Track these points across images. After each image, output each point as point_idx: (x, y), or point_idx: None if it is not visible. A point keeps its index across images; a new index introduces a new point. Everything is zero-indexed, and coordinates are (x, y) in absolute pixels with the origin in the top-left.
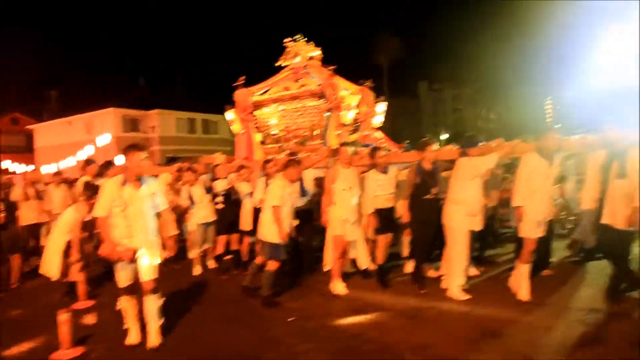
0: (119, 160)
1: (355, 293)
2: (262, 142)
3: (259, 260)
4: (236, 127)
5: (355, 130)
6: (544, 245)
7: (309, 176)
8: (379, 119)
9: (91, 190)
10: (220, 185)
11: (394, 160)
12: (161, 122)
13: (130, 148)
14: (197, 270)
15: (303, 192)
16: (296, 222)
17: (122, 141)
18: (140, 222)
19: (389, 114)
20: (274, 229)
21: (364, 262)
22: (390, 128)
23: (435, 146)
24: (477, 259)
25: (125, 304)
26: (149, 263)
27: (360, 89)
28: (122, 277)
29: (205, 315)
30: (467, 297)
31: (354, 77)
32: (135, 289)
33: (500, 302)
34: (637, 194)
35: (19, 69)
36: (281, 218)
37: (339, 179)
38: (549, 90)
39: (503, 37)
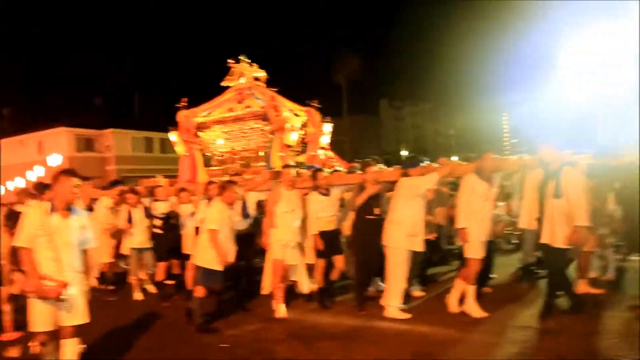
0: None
1: (296, 316)
2: (207, 164)
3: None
4: (180, 149)
5: (302, 151)
6: (484, 263)
7: (252, 198)
8: (325, 139)
9: (13, 219)
10: (160, 208)
11: (336, 182)
12: (117, 142)
13: (61, 173)
14: (137, 295)
15: (245, 215)
16: (235, 248)
17: (76, 161)
18: (67, 256)
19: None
20: (210, 255)
21: (305, 286)
22: (351, 146)
23: (377, 167)
24: (421, 277)
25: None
26: (74, 303)
27: (306, 109)
28: (41, 319)
29: (135, 341)
30: (405, 316)
31: (311, 96)
32: (56, 333)
33: (439, 320)
34: (576, 213)
35: None
36: (219, 243)
37: (281, 201)
38: (506, 105)
39: (464, 53)
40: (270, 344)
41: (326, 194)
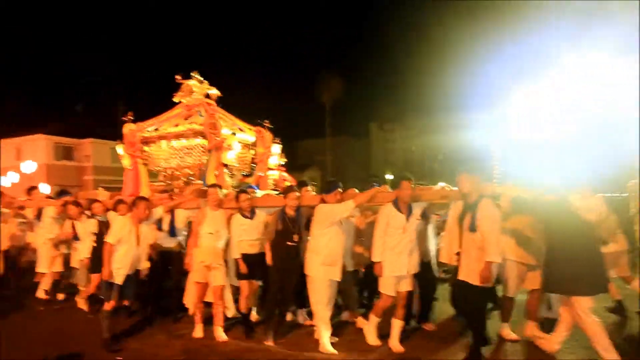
0: (43, 188)
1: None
2: (154, 179)
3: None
4: (125, 162)
5: (250, 171)
6: (422, 298)
7: (182, 216)
8: (274, 160)
9: None
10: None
11: (260, 204)
12: (95, 152)
13: None
14: (82, 305)
15: (172, 232)
16: (147, 265)
17: (54, 170)
18: None
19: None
20: (105, 267)
21: (241, 306)
22: (334, 167)
23: (302, 192)
24: (365, 306)
25: None
26: None
27: (256, 129)
28: None
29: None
30: (332, 351)
31: (268, 116)
32: None
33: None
34: (488, 248)
35: None
36: (111, 256)
37: (204, 222)
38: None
39: (455, 74)
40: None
41: (249, 216)
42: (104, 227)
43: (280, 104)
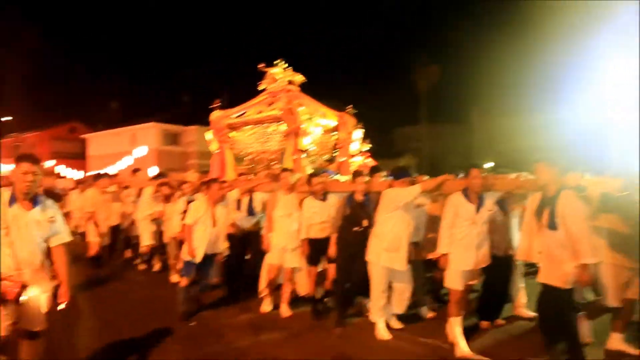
0: (152, 171)
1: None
2: (240, 163)
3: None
4: (213, 147)
5: (332, 157)
6: (494, 293)
7: (258, 198)
8: (355, 146)
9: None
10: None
11: (332, 189)
12: (199, 138)
13: (17, 159)
14: (174, 278)
15: (251, 212)
16: (225, 245)
17: (162, 154)
18: (25, 252)
19: (430, 140)
20: (185, 247)
21: (302, 289)
22: (430, 155)
23: (369, 177)
24: (436, 298)
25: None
26: (31, 307)
27: (339, 114)
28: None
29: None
30: (386, 337)
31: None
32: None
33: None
34: (581, 248)
35: (81, 81)
36: (192, 237)
37: (278, 205)
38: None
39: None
40: (230, 331)
41: (321, 199)
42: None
43: (375, 90)
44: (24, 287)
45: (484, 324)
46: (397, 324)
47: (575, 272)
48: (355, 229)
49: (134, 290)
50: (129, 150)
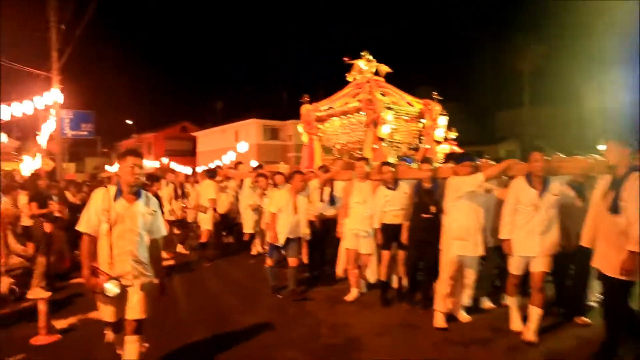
0: (253, 164)
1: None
2: (327, 154)
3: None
4: (304, 138)
5: (418, 145)
6: (575, 285)
7: (339, 187)
8: (440, 133)
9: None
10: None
11: (402, 176)
12: (297, 132)
13: (123, 153)
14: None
15: (332, 201)
16: (307, 231)
17: (263, 148)
18: (129, 245)
19: (534, 123)
20: (270, 233)
21: (372, 275)
22: (533, 137)
23: (435, 164)
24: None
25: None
26: (136, 297)
27: (424, 102)
28: (107, 312)
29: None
30: (443, 325)
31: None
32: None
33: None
34: (631, 234)
35: (189, 85)
36: (274, 223)
37: (353, 193)
38: None
39: None
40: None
41: (392, 188)
42: None
43: (477, 75)
44: (113, 279)
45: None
46: (464, 317)
47: (621, 259)
48: (424, 215)
49: (234, 270)
50: (233, 145)
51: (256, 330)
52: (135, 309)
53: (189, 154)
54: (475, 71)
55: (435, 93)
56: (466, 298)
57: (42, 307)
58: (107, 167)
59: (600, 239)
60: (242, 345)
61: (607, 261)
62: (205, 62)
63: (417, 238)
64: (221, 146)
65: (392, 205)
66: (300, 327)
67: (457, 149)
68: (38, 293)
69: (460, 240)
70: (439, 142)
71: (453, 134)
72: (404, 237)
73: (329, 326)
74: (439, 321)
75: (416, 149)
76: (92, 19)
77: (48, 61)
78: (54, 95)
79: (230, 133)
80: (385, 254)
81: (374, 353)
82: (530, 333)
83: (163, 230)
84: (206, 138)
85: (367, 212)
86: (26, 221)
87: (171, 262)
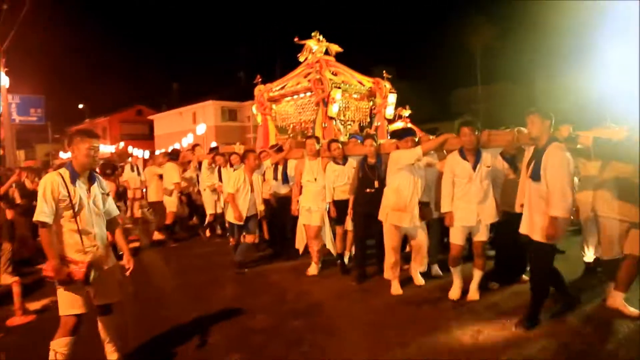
0: (213, 146)
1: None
2: (282, 133)
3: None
4: (258, 119)
5: (370, 122)
6: (508, 250)
7: (291, 165)
8: (390, 110)
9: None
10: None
11: (349, 152)
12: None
13: (74, 134)
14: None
15: (285, 180)
16: (262, 207)
17: (221, 130)
18: (97, 228)
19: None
20: (230, 212)
21: (331, 249)
22: (487, 114)
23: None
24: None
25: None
26: (110, 280)
27: (374, 80)
28: (76, 303)
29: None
30: (397, 292)
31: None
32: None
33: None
34: (553, 200)
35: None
36: (236, 203)
37: (305, 171)
38: None
39: None
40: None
41: (340, 163)
42: None
43: (431, 53)
44: (90, 266)
45: (494, 285)
46: (419, 281)
47: (545, 225)
48: (367, 190)
49: (201, 249)
50: (191, 128)
51: (226, 301)
52: (111, 292)
53: (146, 138)
54: (430, 51)
55: (385, 72)
56: (419, 265)
57: (16, 289)
58: (61, 154)
59: (526, 205)
60: (215, 314)
61: (531, 226)
62: (160, 43)
63: (361, 211)
64: (179, 129)
65: (341, 180)
66: (266, 295)
67: (411, 126)
68: (6, 279)
69: (397, 211)
70: (389, 120)
71: (407, 112)
72: (350, 210)
73: (293, 294)
74: (394, 288)
75: (368, 127)
76: None
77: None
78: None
79: (188, 115)
80: (339, 228)
81: (334, 314)
82: (473, 292)
83: (116, 209)
84: (163, 121)
85: (317, 189)
86: None
87: (137, 244)
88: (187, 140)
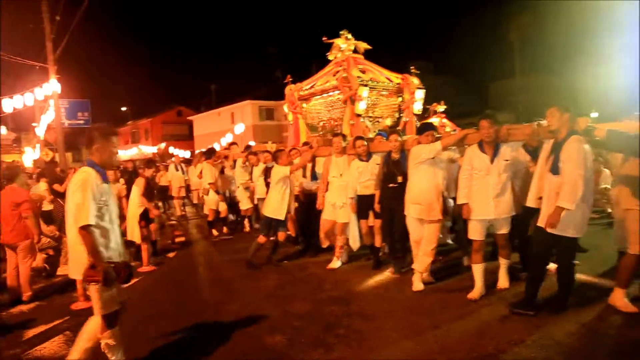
0: (251, 145)
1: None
2: (312, 131)
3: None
4: (290, 118)
5: (397, 119)
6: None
7: (320, 163)
8: (418, 106)
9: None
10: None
11: (374, 149)
12: None
13: (94, 132)
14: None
15: (314, 177)
16: (294, 205)
17: (259, 129)
18: (118, 228)
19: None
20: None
21: (354, 244)
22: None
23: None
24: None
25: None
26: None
27: (402, 76)
28: (112, 302)
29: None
30: (419, 287)
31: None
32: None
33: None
34: (564, 192)
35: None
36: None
37: (331, 167)
38: None
39: None
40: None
41: (365, 160)
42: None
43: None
44: (129, 266)
45: (523, 275)
46: (417, 287)
47: (550, 213)
48: (391, 185)
49: (242, 244)
50: (230, 127)
51: (268, 289)
52: (123, 289)
53: (186, 138)
54: (467, 43)
55: (420, 67)
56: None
57: None
58: None
59: (544, 199)
60: (258, 301)
61: (544, 217)
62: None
63: (385, 206)
64: (218, 129)
65: (364, 177)
66: (305, 284)
67: (447, 122)
68: (67, 269)
69: (416, 204)
70: (418, 115)
71: (441, 107)
72: (376, 205)
73: (330, 283)
74: (415, 283)
75: (396, 124)
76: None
77: (42, 52)
78: (53, 86)
79: (226, 115)
80: (363, 222)
81: (369, 301)
82: (502, 280)
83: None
84: (202, 121)
85: (343, 184)
86: (47, 206)
87: (182, 239)
88: (226, 140)
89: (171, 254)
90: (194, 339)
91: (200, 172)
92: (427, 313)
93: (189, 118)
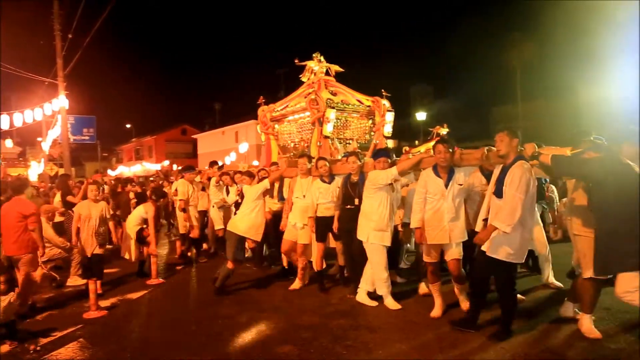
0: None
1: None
2: (284, 152)
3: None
4: (263, 138)
5: (367, 141)
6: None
7: (286, 183)
8: (388, 128)
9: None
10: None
11: (336, 172)
12: None
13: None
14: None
15: (281, 197)
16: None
17: (262, 149)
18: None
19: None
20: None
21: (315, 265)
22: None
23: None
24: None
25: None
26: None
27: (373, 99)
28: None
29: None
30: (397, 307)
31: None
32: None
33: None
34: (501, 213)
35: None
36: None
37: (295, 188)
38: None
39: None
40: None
41: (326, 181)
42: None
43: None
44: None
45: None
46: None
47: (483, 230)
48: (348, 207)
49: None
50: (234, 146)
51: (275, 302)
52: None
53: (190, 156)
54: (470, 69)
55: (384, 90)
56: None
57: (92, 287)
58: (109, 171)
59: (488, 222)
60: (266, 313)
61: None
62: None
63: (343, 228)
64: (222, 147)
65: (324, 198)
66: (312, 297)
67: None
68: (77, 280)
69: (379, 231)
70: (388, 138)
71: (444, 130)
72: (335, 226)
73: (336, 297)
74: (391, 304)
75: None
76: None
77: (51, 67)
78: (61, 101)
79: (230, 134)
80: (320, 245)
81: (376, 314)
82: (463, 302)
83: None
84: (207, 140)
85: (305, 205)
86: (57, 218)
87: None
88: (230, 159)
89: (178, 267)
90: (204, 346)
91: (176, 190)
92: (433, 326)
93: (194, 136)
